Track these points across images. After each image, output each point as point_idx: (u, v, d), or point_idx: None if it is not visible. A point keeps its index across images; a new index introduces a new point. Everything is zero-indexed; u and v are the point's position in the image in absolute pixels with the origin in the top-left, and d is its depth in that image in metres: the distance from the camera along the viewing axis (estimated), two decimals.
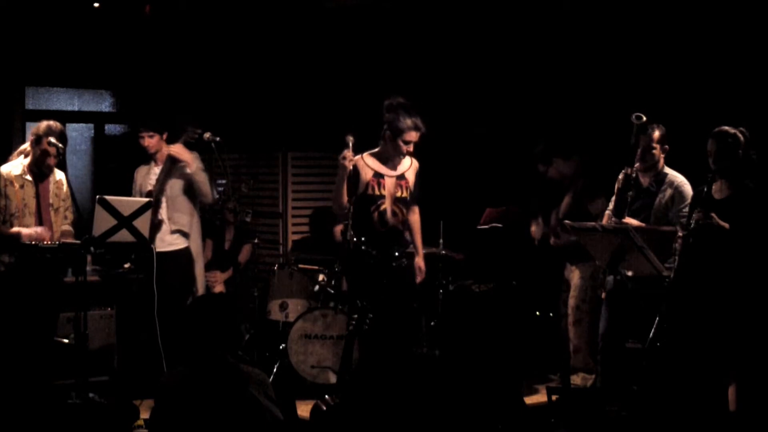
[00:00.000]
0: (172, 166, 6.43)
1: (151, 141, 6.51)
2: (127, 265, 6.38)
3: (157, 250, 6.25)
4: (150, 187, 6.50)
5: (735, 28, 6.63)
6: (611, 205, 5.91)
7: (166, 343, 6.03)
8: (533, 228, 6.97)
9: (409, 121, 5.86)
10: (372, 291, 5.84)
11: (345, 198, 5.83)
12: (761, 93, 6.42)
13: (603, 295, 5.97)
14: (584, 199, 6.58)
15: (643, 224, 5.65)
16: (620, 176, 5.78)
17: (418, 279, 6.14)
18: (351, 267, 5.97)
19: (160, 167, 6.51)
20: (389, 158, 6.00)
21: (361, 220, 5.91)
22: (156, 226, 6.34)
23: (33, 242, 5.78)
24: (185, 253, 6.52)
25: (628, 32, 7.17)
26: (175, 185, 6.46)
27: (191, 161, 6.43)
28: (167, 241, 6.43)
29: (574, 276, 6.67)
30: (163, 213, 6.42)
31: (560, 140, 6.91)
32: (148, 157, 6.60)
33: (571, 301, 6.66)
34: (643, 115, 5.67)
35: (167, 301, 6.17)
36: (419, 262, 6.12)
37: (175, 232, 6.46)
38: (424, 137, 5.97)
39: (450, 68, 8.27)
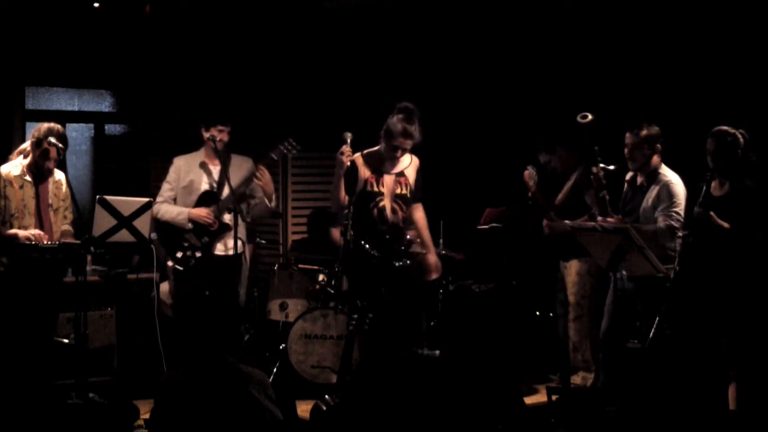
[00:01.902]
0: (255, 178, 6.38)
1: (226, 136, 6.44)
2: (170, 264, 6.34)
3: (217, 253, 6.32)
4: (207, 186, 6.45)
5: (735, 28, 6.63)
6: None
7: (166, 343, 6.02)
8: (526, 174, 6.85)
9: (400, 127, 5.84)
10: (372, 291, 5.84)
11: (343, 196, 5.83)
12: (761, 93, 6.42)
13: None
14: (582, 188, 6.59)
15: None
16: (590, 176, 5.82)
17: (434, 276, 6.16)
18: (351, 267, 5.97)
19: (215, 166, 6.43)
20: (387, 157, 6.00)
21: (361, 218, 5.90)
22: (222, 229, 6.34)
23: (33, 242, 5.78)
24: (244, 256, 6.57)
25: (629, 32, 7.18)
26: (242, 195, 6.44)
27: (270, 183, 6.44)
28: (229, 246, 6.40)
29: (571, 273, 6.66)
30: (228, 217, 6.38)
31: (563, 132, 6.91)
32: (147, 154, 6.55)
33: (571, 298, 6.65)
34: (588, 114, 5.72)
35: (222, 301, 6.19)
36: (432, 258, 6.12)
37: (239, 238, 6.45)
38: (424, 137, 5.96)
39: (450, 68, 8.27)
